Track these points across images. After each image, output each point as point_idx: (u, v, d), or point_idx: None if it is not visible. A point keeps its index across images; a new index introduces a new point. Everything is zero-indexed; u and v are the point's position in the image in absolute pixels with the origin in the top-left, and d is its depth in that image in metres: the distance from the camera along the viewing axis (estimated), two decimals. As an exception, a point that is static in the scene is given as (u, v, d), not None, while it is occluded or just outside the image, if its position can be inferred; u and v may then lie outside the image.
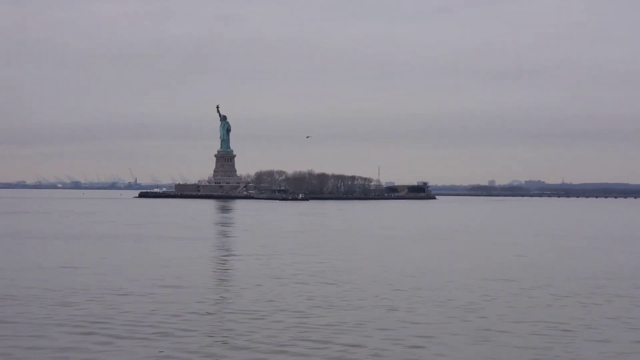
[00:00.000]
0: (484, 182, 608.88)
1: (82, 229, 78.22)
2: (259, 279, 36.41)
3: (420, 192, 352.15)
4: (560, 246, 61.90)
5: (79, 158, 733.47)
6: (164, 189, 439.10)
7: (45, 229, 77.42)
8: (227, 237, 69.88)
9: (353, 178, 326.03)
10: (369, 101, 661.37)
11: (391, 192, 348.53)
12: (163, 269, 40.20)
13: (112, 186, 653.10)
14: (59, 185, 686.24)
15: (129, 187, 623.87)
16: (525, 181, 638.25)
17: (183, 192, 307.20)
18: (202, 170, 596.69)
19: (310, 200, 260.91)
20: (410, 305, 28.51)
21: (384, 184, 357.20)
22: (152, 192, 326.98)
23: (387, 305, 28.61)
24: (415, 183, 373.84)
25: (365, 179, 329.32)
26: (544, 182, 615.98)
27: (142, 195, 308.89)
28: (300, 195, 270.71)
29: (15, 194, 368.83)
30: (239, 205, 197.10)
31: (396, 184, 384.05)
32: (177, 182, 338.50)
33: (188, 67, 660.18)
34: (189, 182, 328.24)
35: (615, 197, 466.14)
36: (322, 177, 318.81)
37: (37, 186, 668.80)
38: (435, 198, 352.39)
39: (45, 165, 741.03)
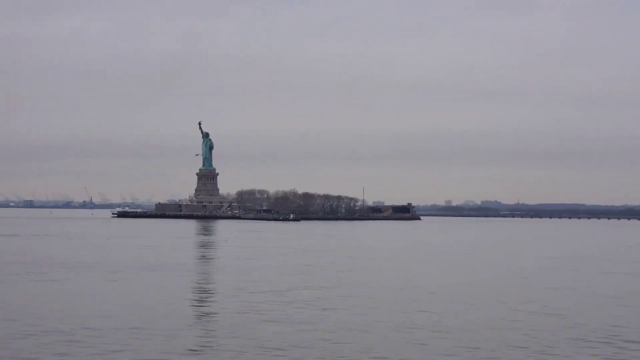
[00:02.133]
0: (441, 202, 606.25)
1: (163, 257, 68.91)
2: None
3: (405, 212, 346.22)
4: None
5: (27, 177, 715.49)
6: (126, 208, 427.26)
7: (101, 255, 67.97)
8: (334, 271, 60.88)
9: (339, 198, 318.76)
10: (345, 120, 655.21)
11: (376, 213, 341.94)
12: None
13: (67, 205, 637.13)
14: (12, 204, 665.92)
15: (84, 206, 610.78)
16: (482, 201, 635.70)
17: (164, 211, 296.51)
18: (164, 188, 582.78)
19: (302, 221, 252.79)
20: None
21: (371, 203, 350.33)
22: (132, 212, 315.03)
23: None
24: (396, 203, 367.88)
25: (351, 199, 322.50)
26: (500, 202, 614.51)
27: (121, 214, 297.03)
28: (291, 216, 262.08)
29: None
30: (234, 226, 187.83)
31: (380, 204, 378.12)
32: (130, 202, 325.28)
33: (157, 83, 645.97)
34: (167, 202, 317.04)
35: (585, 218, 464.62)
36: (308, 196, 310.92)
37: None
38: (419, 219, 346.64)
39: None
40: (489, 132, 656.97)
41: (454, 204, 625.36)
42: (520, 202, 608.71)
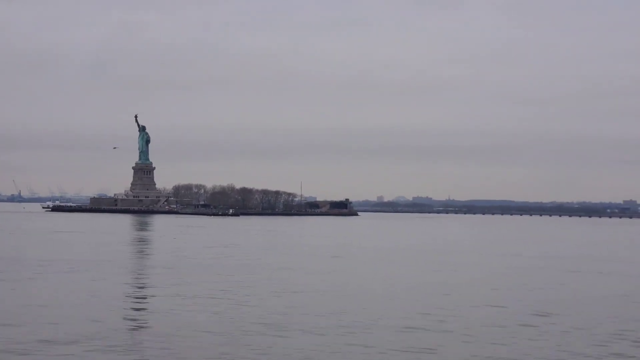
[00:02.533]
0: (373, 198, 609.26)
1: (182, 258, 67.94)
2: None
3: (342, 207, 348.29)
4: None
5: None
6: (57, 202, 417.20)
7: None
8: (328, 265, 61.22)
9: (277, 193, 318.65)
10: (280, 115, 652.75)
11: (313, 208, 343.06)
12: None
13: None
14: None
15: (12, 199, 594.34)
16: (413, 197, 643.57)
17: (99, 205, 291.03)
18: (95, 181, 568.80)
19: (241, 216, 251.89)
20: None
21: (308, 198, 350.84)
22: (66, 206, 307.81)
23: None
24: (331, 198, 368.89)
25: (289, 194, 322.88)
26: (431, 198, 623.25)
27: (56, 209, 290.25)
28: (230, 211, 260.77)
29: None
30: (173, 221, 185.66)
31: (312, 199, 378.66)
32: (59, 195, 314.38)
33: (86, 74, 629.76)
34: (98, 195, 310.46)
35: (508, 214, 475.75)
36: (246, 191, 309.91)
37: None
38: (357, 214, 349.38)
39: None
40: (419, 129, 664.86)
41: (385, 199, 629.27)
42: (451, 198, 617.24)
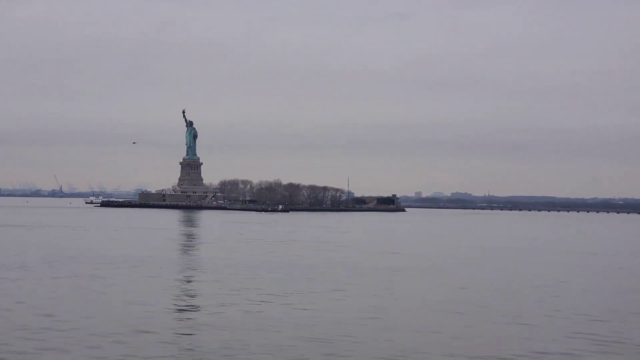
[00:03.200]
0: (410, 194, 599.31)
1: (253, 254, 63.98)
2: None
3: (389, 203, 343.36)
4: None
5: None
6: (101, 197, 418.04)
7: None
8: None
9: (325, 189, 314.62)
10: (325, 110, 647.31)
11: (360, 204, 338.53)
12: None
13: (36, 194, 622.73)
14: None
15: (53, 194, 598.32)
16: (452, 193, 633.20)
17: (147, 201, 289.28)
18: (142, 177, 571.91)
19: (290, 212, 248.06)
20: None
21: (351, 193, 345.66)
22: (115, 201, 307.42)
23: None
24: (374, 194, 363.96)
25: (337, 189, 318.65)
26: (470, 194, 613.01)
27: (105, 204, 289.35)
28: (280, 207, 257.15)
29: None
30: (225, 217, 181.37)
31: (351, 195, 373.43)
32: (98, 190, 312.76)
33: (126, 71, 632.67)
34: (136, 191, 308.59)
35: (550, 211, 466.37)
36: (294, 187, 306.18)
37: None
38: (404, 210, 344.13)
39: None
40: (454, 123, 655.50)
41: (423, 195, 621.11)
42: (491, 194, 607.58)
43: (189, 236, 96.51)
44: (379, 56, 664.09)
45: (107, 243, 74.07)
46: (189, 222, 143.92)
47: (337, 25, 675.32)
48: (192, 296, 35.95)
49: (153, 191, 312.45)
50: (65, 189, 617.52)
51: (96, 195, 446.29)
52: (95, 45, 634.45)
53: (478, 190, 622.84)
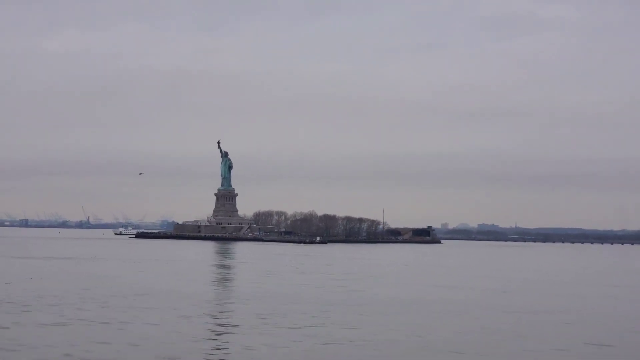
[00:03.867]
0: (437, 225, 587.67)
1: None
2: None
3: (425, 235, 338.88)
4: None
5: (11, 194, 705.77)
6: (130, 228, 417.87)
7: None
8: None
9: (360, 220, 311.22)
10: (355, 141, 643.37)
11: (395, 235, 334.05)
12: None
13: (63, 225, 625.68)
14: (7, 223, 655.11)
15: (80, 225, 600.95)
16: (478, 224, 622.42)
17: (182, 232, 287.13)
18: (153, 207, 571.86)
19: (328, 244, 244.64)
20: None
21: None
22: (150, 233, 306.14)
23: None
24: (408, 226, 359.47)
25: (372, 221, 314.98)
26: (497, 225, 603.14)
27: (140, 235, 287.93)
28: (318, 238, 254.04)
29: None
30: (266, 249, 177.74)
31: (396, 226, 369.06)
32: (124, 222, 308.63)
33: (156, 102, 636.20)
34: (187, 222, 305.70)
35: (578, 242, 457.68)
36: (329, 218, 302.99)
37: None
38: (440, 242, 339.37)
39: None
40: (483, 155, 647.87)
41: (449, 227, 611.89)
42: (518, 225, 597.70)
43: (261, 271, 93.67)
44: (410, 87, 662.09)
45: (170, 278, 71.50)
46: (228, 254, 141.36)
47: (367, 56, 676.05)
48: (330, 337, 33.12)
49: (180, 222, 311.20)
50: (91, 220, 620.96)
51: (124, 226, 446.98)
52: (126, 77, 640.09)
53: (504, 222, 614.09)
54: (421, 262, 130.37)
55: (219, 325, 37.22)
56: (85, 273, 73.95)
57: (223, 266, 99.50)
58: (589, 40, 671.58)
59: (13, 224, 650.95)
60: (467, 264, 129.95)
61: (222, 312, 42.68)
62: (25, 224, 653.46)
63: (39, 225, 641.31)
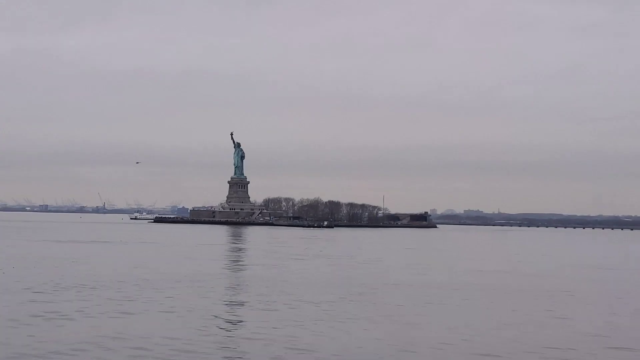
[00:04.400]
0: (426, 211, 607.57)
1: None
2: None
3: (422, 220, 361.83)
4: None
5: (30, 181, 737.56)
6: (144, 213, 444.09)
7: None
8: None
9: (363, 206, 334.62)
10: (349, 133, 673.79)
11: (395, 220, 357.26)
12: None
13: (81, 210, 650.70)
14: (28, 208, 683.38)
15: (97, 211, 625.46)
16: (465, 210, 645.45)
17: (198, 217, 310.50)
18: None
19: (334, 228, 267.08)
20: None
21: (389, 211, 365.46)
22: (168, 218, 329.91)
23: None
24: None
25: (374, 207, 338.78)
26: (482, 211, 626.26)
27: (158, 220, 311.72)
28: (325, 223, 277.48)
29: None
30: (279, 233, 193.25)
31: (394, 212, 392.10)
32: (136, 207, 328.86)
33: (170, 97, 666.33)
34: (201, 208, 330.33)
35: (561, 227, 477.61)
36: (334, 204, 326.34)
37: (4, 208, 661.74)
38: (436, 227, 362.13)
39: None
40: (469, 145, 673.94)
41: (438, 212, 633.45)
42: (501, 211, 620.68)
43: (313, 249, 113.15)
44: (406, 83, 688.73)
45: (208, 262, 79.71)
46: (242, 238, 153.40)
47: (367, 54, 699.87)
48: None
49: (189, 207, 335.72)
50: (106, 206, 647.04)
51: (138, 212, 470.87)
52: (139, 71, 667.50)
53: (488, 208, 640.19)
54: (450, 248, 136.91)
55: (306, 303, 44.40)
56: (142, 257, 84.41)
57: (274, 252, 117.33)
58: (577, 37, 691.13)
59: (34, 209, 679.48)
60: (500, 249, 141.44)
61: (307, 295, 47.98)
62: (45, 209, 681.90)
63: (58, 210, 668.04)
